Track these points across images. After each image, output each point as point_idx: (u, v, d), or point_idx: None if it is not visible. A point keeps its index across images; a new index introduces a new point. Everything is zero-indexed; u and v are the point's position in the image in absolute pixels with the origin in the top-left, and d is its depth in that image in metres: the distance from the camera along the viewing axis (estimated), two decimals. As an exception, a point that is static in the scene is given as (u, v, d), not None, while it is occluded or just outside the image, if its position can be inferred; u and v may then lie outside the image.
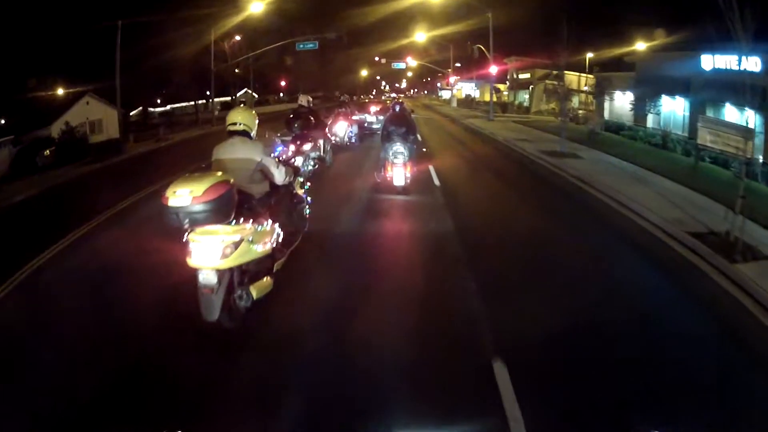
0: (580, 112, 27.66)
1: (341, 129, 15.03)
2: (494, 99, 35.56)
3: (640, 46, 25.46)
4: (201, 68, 33.13)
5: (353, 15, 43.02)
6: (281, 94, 53.10)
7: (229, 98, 44.99)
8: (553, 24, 17.98)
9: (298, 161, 9.04)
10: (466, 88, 59.08)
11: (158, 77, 32.67)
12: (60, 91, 26.59)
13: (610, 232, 7.97)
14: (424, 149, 14.99)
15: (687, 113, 20.39)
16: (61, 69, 25.68)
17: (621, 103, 27.06)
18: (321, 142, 11.10)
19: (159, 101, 43.02)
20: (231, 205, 4.13)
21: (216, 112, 34.53)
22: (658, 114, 20.72)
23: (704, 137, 13.20)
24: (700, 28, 18.39)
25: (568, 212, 9.20)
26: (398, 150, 9.21)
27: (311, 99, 11.38)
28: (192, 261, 4.10)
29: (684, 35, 20.40)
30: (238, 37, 39.22)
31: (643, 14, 25.51)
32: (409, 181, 9.40)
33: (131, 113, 35.21)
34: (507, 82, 45.91)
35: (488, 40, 31.13)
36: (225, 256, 4.11)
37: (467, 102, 53.10)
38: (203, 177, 4.02)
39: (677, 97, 20.76)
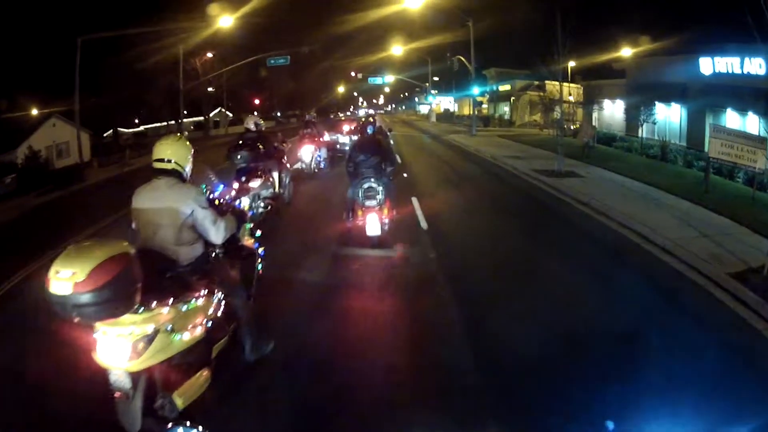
0: (577, 124, 26.27)
1: (307, 154, 13.11)
2: (475, 112, 34.23)
3: (626, 52, 24.32)
4: (174, 87, 31.67)
5: (327, 28, 41.92)
6: (255, 113, 51.65)
7: (202, 117, 43.52)
8: (537, 32, 16.67)
9: (245, 202, 7.19)
10: (444, 102, 58.19)
11: (131, 97, 31.39)
12: (35, 112, 25.51)
13: (643, 282, 6.26)
14: (405, 174, 13.18)
15: (684, 121, 19.20)
16: (33, 89, 24.69)
17: (610, 112, 25.93)
18: (275, 174, 9.02)
19: (137, 121, 41.76)
20: (130, 289, 2.87)
21: (186, 133, 32.99)
22: (654, 123, 19.41)
23: (716, 149, 11.93)
24: (694, 31, 17.32)
25: (590, 257, 7.24)
26: (371, 188, 6.94)
27: (261, 121, 9.12)
28: (99, 358, 3.02)
29: (675, 39, 19.28)
30: (209, 54, 37.77)
31: (627, 20, 24.53)
32: (387, 227, 7.16)
33: (104, 135, 33.78)
34: (486, 94, 44.86)
35: (466, 54, 29.90)
36: (137, 354, 2.97)
37: (446, 116, 52.03)
38: (92, 249, 2.79)
39: (673, 103, 19.57)
